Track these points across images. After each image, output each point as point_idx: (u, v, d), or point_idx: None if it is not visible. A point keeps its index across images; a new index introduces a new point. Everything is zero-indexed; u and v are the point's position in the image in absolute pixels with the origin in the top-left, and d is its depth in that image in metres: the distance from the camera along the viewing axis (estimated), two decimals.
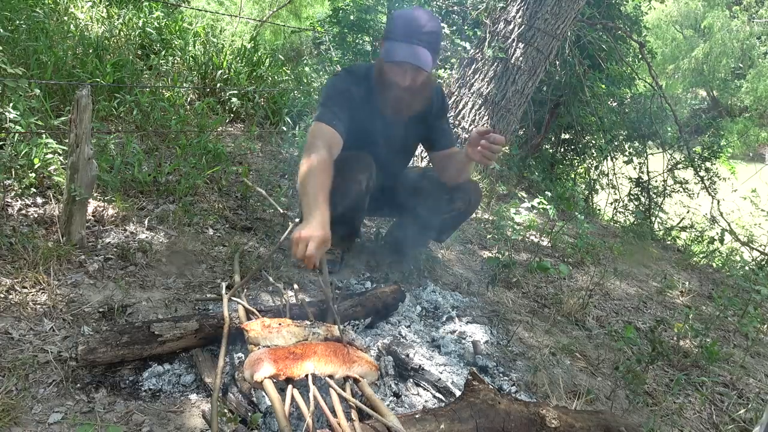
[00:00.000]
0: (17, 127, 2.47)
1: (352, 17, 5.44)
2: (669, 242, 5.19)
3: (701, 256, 4.81)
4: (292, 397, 1.35)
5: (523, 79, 4.74)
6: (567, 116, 5.89)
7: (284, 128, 4.22)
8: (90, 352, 1.48)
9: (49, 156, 2.42)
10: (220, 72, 4.26)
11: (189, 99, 4.09)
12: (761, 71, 18.30)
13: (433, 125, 2.41)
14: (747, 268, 4.09)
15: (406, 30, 2.06)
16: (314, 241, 1.62)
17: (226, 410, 1.42)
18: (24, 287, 1.83)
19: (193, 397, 1.53)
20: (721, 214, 5.34)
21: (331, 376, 1.44)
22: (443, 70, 5.52)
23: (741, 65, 19.17)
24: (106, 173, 2.57)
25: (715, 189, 5.55)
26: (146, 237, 2.32)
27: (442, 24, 6.81)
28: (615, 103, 6.24)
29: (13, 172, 2.33)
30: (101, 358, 1.49)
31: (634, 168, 6.03)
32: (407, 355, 1.80)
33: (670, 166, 5.76)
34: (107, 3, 4.60)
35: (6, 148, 2.41)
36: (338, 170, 2.22)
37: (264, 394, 1.44)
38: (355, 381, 1.48)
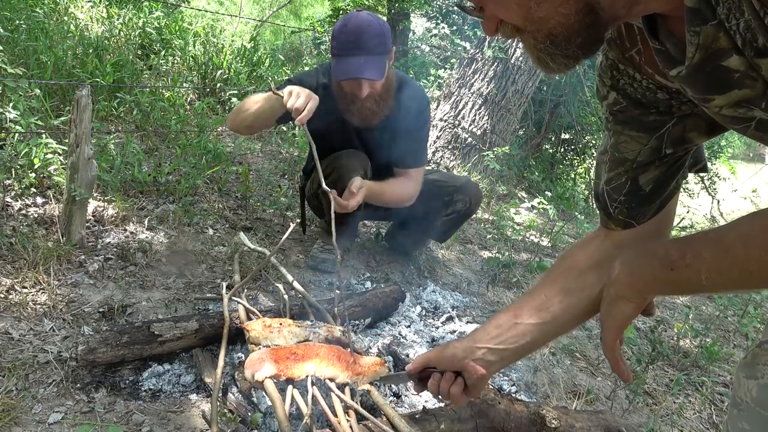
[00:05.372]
0: (17, 127, 2.47)
1: None
2: None
3: None
4: (293, 398, 1.36)
5: (523, 79, 4.74)
6: (567, 116, 5.90)
7: (284, 128, 4.21)
8: (90, 352, 1.48)
9: (49, 156, 2.42)
10: (220, 72, 4.26)
11: (189, 99, 4.09)
12: None
13: (401, 139, 2.31)
14: None
15: (348, 43, 2.01)
16: (303, 93, 1.82)
17: (226, 410, 1.42)
18: (24, 287, 1.82)
19: (193, 397, 1.53)
20: (721, 214, 5.34)
21: (331, 379, 1.44)
22: (443, 70, 5.52)
23: None
24: (106, 173, 2.57)
25: (715, 189, 5.56)
26: (146, 237, 2.32)
27: (442, 24, 6.82)
28: None
29: (13, 172, 2.33)
30: (101, 358, 1.49)
31: None
32: (407, 355, 1.80)
33: None
34: (107, 3, 4.61)
35: (6, 148, 2.41)
36: (334, 164, 2.21)
37: (264, 394, 1.44)
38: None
